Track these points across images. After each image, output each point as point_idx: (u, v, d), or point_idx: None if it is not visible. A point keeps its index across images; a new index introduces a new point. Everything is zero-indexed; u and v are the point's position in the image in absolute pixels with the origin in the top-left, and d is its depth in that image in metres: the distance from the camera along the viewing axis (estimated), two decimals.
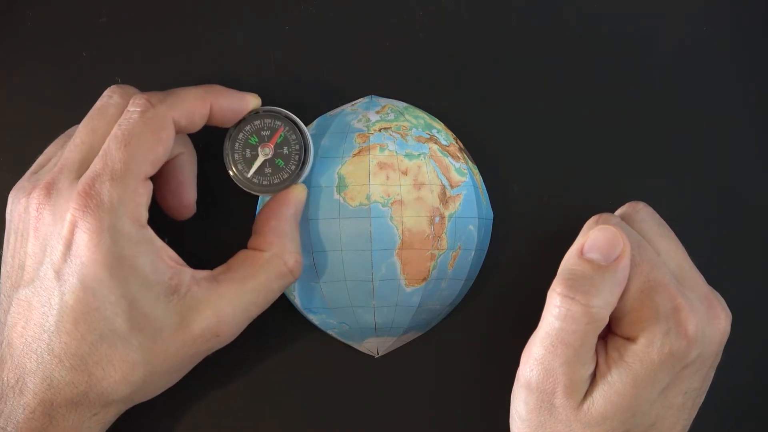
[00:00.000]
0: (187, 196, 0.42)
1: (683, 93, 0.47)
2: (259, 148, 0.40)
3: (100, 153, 0.37)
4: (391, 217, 0.41)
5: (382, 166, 0.42)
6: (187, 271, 0.38)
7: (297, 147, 0.40)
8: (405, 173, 0.42)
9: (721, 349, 0.40)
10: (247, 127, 0.40)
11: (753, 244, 0.46)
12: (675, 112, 0.46)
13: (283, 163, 0.40)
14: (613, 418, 0.37)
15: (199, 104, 0.39)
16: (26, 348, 0.36)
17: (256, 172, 0.40)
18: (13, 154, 0.47)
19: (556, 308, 0.37)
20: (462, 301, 0.45)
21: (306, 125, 0.45)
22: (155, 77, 0.47)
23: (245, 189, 0.40)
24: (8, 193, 0.41)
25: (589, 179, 0.46)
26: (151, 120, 0.37)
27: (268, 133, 0.40)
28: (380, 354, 0.44)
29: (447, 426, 0.45)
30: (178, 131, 0.38)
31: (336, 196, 0.41)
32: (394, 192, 0.41)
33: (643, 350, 0.37)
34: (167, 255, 0.37)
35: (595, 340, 0.38)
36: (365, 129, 0.43)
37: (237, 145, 0.40)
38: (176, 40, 0.47)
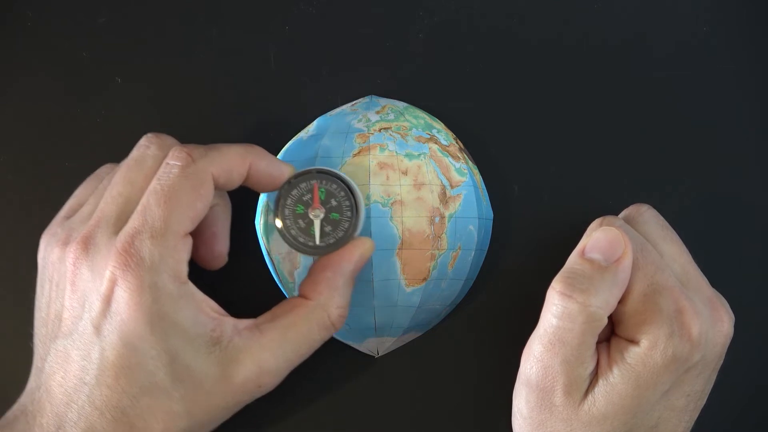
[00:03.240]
0: (219, 247, 0.41)
1: (683, 93, 0.47)
2: (310, 214, 0.39)
3: (139, 208, 0.36)
4: (391, 217, 0.41)
5: (382, 166, 0.42)
6: (229, 322, 0.37)
7: (342, 194, 0.39)
8: (405, 173, 0.42)
9: (724, 351, 0.40)
10: (288, 201, 0.39)
11: (753, 245, 0.46)
12: (675, 113, 0.46)
13: (338, 215, 0.39)
14: (614, 418, 0.37)
15: (239, 162, 0.38)
16: (66, 398, 0.36)
17: (318, 237, 0.39)
18: (13, 154, 0.47)
19: (555, 306, 0.38)
20: (462, 301, 0.45)
21: (306, 125, 0.45)
22: (155, 77, 0.47)
23: (318, 256, 0.39)
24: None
25: (589, 180, 0.46)
26: (191, 175, 0.36)
27: (309, 196, 0.39)
28: (380, 354, 0.44)
29: (447, 426, 0.45)
30: (215, 188, 0.38)
31: None
32: (394, 192, 0.41)
33: (646, 352, 0.37)
34: (208, 306, 0.37)
35: (594, 339, 0.38)
36: (365, 129, 0.43)
37: (288, 222, 0.39)
38: (176, 40, 0.47)
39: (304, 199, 0.39)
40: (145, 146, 0.39)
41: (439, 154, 0.43)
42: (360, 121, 0.43)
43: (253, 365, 0.36)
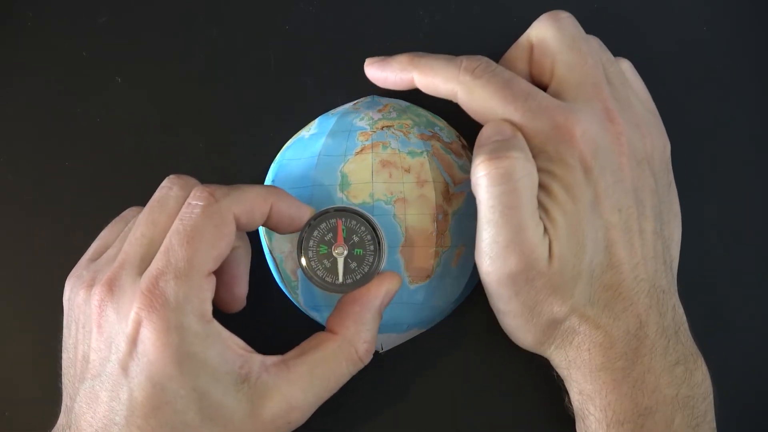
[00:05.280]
0: (239, 289, 0.41)
1: (682, 93, 0.47)
2: (334, 253, 0.40)
3: (162, 249, 0.36)
4: (395, 214, 0.41)
5: (384, 164, 0.42)
6: (257, 358, 0.37)
7: (363, 228, 0.40)
8: (408, 171, 0.42)
9: (645, 160, 0.40)
10: (311, 243, 0.40)
11: (753, 245, 0.46)
12: (675, 112, 0.46)
13: (361, 250, 0.40)
14: (570, 258, 0.38)
15: (261, 203, 0.38)
16: None
17: (345, 274, 0.40)
18: (13, 154, 0.47)
19: (485, 176, 0.37)
20: (466, 298, 0.45)
21: (307, 124, 0.45)
22: (155, 77, 0.47)
23: (344, 293, 0.40)
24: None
25: None
26: (214, 215, 0.36)
27: (330, 235, 0.40)
28: (384, 350, 0.44)
29: (450, 422, 0.45)
30: (237, 228, 0.37)
31: (339, 194, 0.41)
32: (397, 190, 0.41)
33: (560, 175, 0.38)
34: (235, 344, 0.37)
35: (534, 196, 0.38)
36: (368, 127, 0.43)
37: (314, 263, 0.40)
38: (176, 40, 0.47)
39: (326, 238, 0.40)
40: (168, 187, 0.39)
41: (442, 151, 0.43)
42: (362, 119, 0.43)
43: (282, 401, 0.36)
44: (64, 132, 0.47)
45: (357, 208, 0.40)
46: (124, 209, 0.45)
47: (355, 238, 0.40)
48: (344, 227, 0.40)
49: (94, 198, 0.46)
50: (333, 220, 0.40)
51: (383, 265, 0.40)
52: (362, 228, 0.40)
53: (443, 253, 0.42)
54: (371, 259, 0.40)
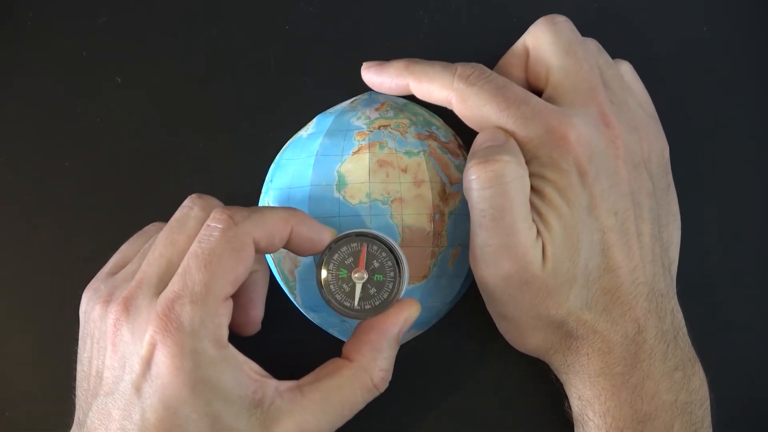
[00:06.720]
0: (254, 313, 0.41)
1: (682, 93, 0.47)
2: (353, 277, 0.39)
3: (180, 271, 0.36)
4: (391, 214, 0.41)
5: (381, 163, 0.42)
6: (271, 384, 0.36)
7: (384, 254, 0.39)
8: (404, 171, 0.42)
9: (642, 163, 0.40)
10: (331, 266, 0.39)
11: (753, 245, 0.46)
12: (675, 112, 0.46)
13: (381, 276, 0.39)
14: (564, 261, 0.38)
15: (281, 226, 0.37)
16: None
17: (362, 299, 0.39)
18: (13, 154, 0.47)
19: (475, 179, 0.37)
20: (462, 298, 0.45)
21: (306, 124, 0.45)
22: (155, 77, 0.47)
23: (361, 319, 0.39)
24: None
25: None
26: (233, 239, 0.36)
27: (351, 259, 0.39)
28: None
29: (448, 424, 0.45)
30: (256, 251, 0.37)
31: (336, 194, 0.41)
32: (393, 190, 0.41)
33: (551, 180, 0.38)
34: (250, 368, 0.36)
35: (526, 198, 0.38)
36: (364, 127, 0.43)
37: (332, 287, 0.39)
38: (176, 40, 0.47)
39: (347, 262, 0.39)
40: (189, 207, 0.38)
41: (439, 151, 0.43)
42: (359, 118, 0.43)
43: (294, 427, 0.36)
44: (64, 132, 0.47)
45: (379, 234, 0.39)
46: (124, 210, 0.45)
47: (376, 264, 0.39)
48: (367, 251, 0.39)
49: (94, 198, 0.46)
50: (355, 244, 0.39)
51: (403, 292, 0.39)
52: (383, 254, 0.39)
53: (440, 253, 0.42)
54: (391, 286, 0.39)
